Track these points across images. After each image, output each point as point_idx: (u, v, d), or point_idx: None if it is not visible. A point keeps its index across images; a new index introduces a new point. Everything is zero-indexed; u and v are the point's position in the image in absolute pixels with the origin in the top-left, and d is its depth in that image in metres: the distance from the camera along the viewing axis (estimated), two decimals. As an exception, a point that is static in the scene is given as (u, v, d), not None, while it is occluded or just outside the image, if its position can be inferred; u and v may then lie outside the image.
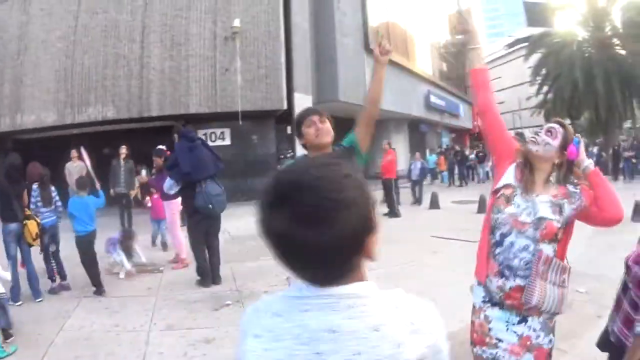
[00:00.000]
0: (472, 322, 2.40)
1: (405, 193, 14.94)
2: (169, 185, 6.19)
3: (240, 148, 13.46)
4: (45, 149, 8.68)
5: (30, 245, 5.70)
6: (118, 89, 13.54)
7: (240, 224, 7.94)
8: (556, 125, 2.23)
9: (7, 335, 4.36)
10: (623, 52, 22.03)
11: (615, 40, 22.49)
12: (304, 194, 0.81)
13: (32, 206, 5.98)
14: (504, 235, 2.19)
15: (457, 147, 27.08)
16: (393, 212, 11.83)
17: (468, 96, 36.35)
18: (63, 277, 6.14)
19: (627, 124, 27.45)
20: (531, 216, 2.13)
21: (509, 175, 2.28)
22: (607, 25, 22.66)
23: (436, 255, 7.47)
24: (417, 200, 14.53)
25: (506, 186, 2.26)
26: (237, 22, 13.44)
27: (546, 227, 2.10)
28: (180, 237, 7.15)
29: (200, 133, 12.66)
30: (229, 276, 6.43)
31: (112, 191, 10.38)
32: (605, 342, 2.25)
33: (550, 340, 2.21)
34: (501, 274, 2.19)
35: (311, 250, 0.82)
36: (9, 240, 5.57)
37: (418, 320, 0.89)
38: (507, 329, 2.20)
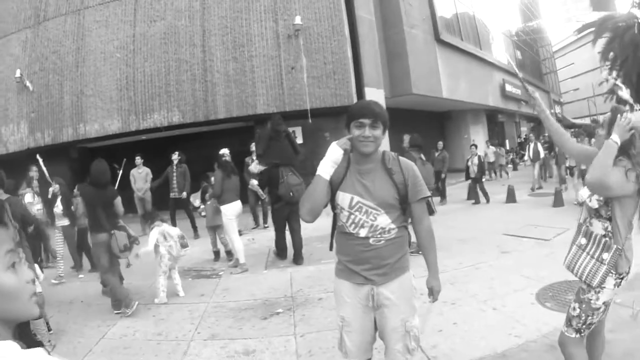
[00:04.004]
0: None
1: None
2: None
3: (312, 146, 12.59)
4: (111, 156, 8.16)
5: (118, 257, 5.56)
6: (182, 93, 13.10)
7: (309, 224, 7.12)
8: (604, 116, 2.61)
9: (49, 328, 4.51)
10: None
11: None
12: None
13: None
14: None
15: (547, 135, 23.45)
16: (431, 210, 10.20)
17: (544, 84, 34.65)
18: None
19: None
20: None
21: None
22: None
23: (505, 256, 6.62)
24: (477, 201, 12.52)
25: None
26: (298, 20, 12.66)
27: (585, 207, 2.63)
28: (238, 242, 7.04)
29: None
30: (286, 281, 6.21)
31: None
32: None
33: (574, 308, 2.55)
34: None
35: None
36: (98, 252, 5.43)
37: None
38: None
